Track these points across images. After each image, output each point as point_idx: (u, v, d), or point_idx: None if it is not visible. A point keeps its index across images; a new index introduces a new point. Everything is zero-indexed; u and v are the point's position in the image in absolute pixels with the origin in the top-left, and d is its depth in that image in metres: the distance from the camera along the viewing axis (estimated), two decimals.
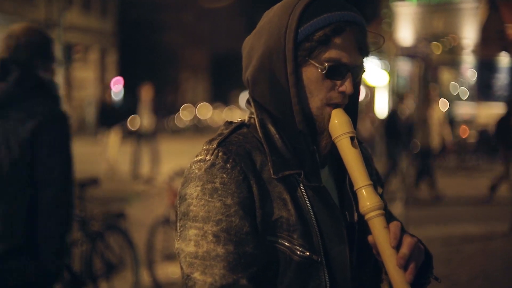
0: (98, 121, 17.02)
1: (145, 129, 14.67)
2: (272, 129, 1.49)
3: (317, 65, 1.45)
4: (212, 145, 1.46)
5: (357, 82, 1.52)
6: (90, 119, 26.71)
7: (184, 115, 38.80)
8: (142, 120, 14.69)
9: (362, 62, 1.51)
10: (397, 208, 8.74)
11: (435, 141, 11.56)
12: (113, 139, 15.40)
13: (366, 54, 1.51)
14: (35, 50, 2.91)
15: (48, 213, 2.72)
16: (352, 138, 1.47)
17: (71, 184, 2.83)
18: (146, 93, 14.83)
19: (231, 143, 1.46)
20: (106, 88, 19.58)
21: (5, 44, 2.90)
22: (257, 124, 1.50)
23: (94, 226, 5.66)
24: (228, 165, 1.42)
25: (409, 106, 12.20)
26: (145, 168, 14.84)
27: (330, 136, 1.49)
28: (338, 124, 1.47)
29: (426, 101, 11.54)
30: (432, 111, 11.57)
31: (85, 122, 27.16)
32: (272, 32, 1.48)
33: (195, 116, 40.08)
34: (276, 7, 1.53)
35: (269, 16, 1.52)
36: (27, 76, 2.80)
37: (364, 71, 1.53)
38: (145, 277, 6.40)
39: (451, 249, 8.11)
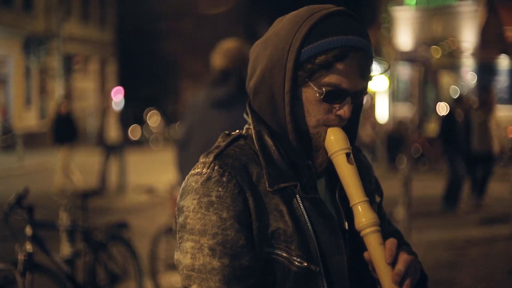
0: (52, 136, 14.59)
1: (112, 142, 13.88)
2: (269, 141, 1.49)
3: (316, 88, 1.45)
4: (209, 158, 1.47)
5: (358, 103, 1.52)
6: (91, 130, 26.69)
7: None
8: (109, 132, 13.90)
9: (364, 86, 1.49)
10: (400, 213, 8.73)
11: (495, 146, 11.20)
12: (64, 156, 14.07)
13: (369, 79, 1.49)
14: (245, 60, 3.63)
15: None
16: (348, 154, 1.47)
17: None
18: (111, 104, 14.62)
19: (228, 156, 1.47)
20: (66, 97, 17.94)
21: (225, 58, 3.85)
22: (253, 136, 1.50)
23: (97, 237, 5.66)
24: (224, 178, 1.42)
25: (466, 109, 11.64)
26: (114, 180, 14.14)
27: (326, 154, 1.49)
28: (334, 140, 1.47)
29: (485, 104, 11.26)
30: (492, 115, 11.25)
31: (86, 133, 27.15)
32: (277, 46, 1.48)
33: None
34: (287, 18, 1.52)
35: (278, 28, 1.51)
36: (242, 81, 3.66)
37: (366, 93, 1.52)
38: (148, 287, 6.40)
39: (455, 252, 8.11)
